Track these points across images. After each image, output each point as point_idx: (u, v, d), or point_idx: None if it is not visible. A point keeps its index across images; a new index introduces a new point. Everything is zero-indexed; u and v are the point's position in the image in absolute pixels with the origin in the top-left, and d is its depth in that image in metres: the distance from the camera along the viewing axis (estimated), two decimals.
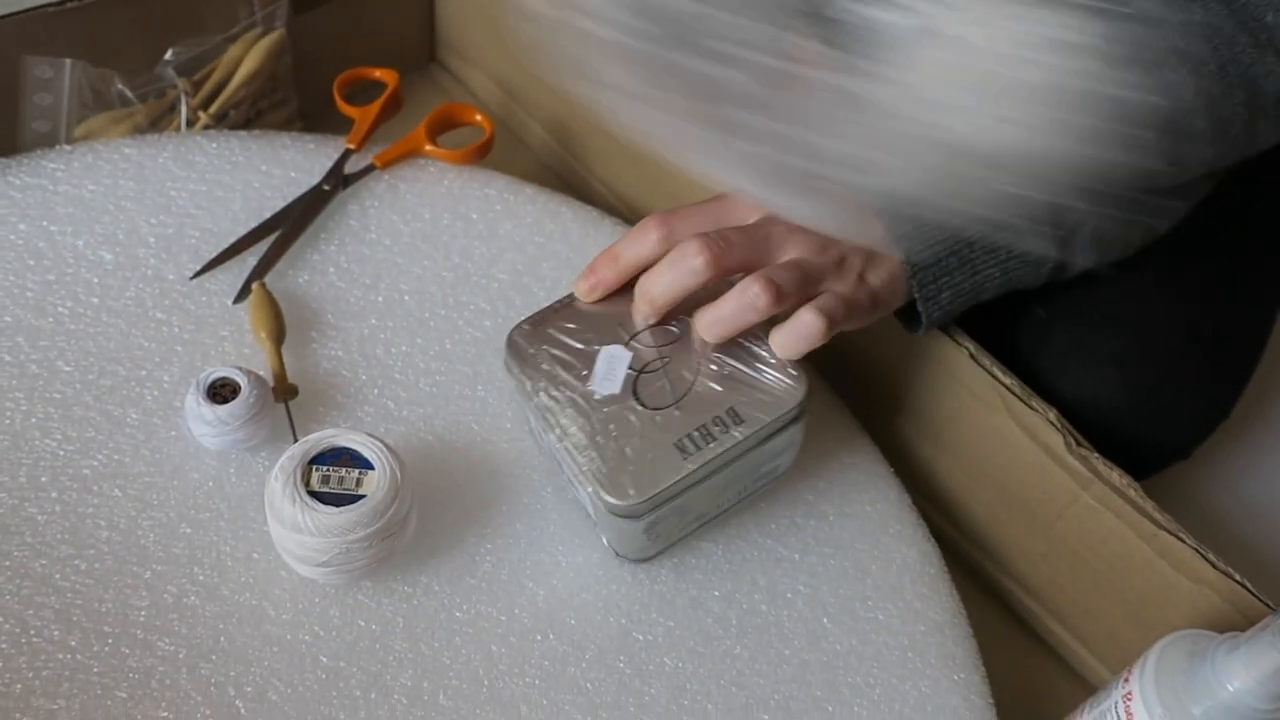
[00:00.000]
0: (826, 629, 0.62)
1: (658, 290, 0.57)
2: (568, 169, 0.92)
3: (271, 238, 0.70)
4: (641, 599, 0.61)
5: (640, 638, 0.60)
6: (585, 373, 0.57)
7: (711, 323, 0.57)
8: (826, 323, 0.55)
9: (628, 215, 0.85)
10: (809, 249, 0.56)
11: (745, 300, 0.55)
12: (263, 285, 0.67)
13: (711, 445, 0.55)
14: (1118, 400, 0.65)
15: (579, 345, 0.58)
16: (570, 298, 0.61)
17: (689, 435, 0.56)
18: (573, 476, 0.56)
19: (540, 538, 0.62)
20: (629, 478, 0.54)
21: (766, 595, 0.62)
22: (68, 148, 0.72)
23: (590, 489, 0.55)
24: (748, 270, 0.56)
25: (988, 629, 0.66)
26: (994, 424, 0.67)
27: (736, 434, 0.56)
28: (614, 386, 0.57)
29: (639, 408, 0.56)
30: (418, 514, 0.59)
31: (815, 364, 0.64)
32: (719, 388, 0.57)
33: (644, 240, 0.58)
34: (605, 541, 0.61)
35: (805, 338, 0.56)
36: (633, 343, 0.58)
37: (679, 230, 0.57)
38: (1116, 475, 0.61)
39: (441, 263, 0.72)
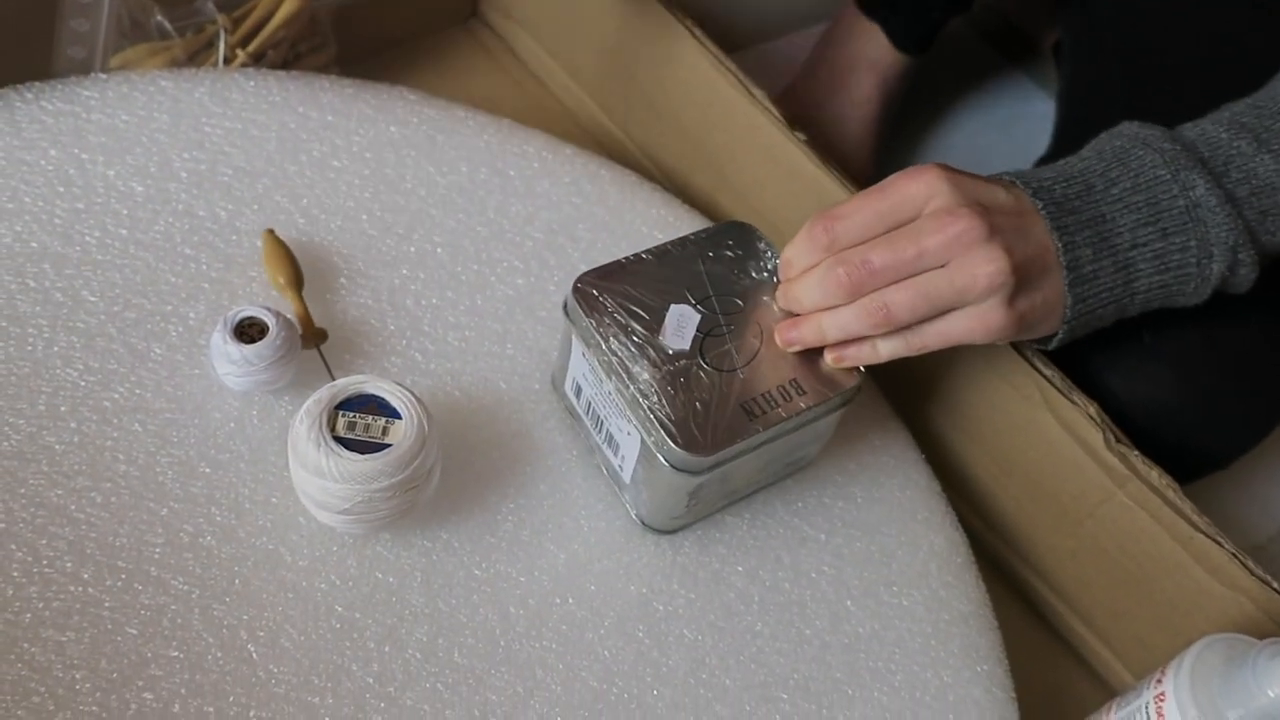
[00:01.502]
0: (849, 611, 0.60)
1: (806, 301, 0.56)
2: (606, 133, 0.90)
3: None
4: (663, 569, 0.60)
5: (660, 608, 0.58)
6: (654, 326, 0.57)
7: (818, 331, 0.56)
8: (894, 354, 0.55)
9: (665, 183, 0.83)
10: (967, 264, 0.52)
11: (859, 321, 0.54)
12: (271, 233, 0.65)
13: (777, 410, 0.55)
14: (1170, 402, 0.64)
15: (647, 301, 0.58)
16: (636, 257, 0.60)
17: (755, 399, 0.56)
18: (637, 423, 0.55)
19: (564, 501, 0.61)
20: (699, 429, 0.54)
21: (791, 574, 0.61)
22: (103, 76, 0.70)
23: (656, 436, 0.54)
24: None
25: (1009, 625, 0.65)
26: (1030, 416, 0.65)
27: (800, 403, 0.56)
28: (684, 343, 0.57)
29: (706, 367, 0.56)
30: (441, 468, 0.58)
31: None
32: (782, 359, 0.57)
33: (811, 249, 0.55)
34: (632, 511, 0.60)
35: (856, 360, 0.57)
36: (699, 306, 0.58)
37: (842, 235, 0.54)
38: (1156, 474, 0.60)
39: (476, 217, 0.71)
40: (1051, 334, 0.58)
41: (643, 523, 0.60)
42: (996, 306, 0.54)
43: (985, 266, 0.52)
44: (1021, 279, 0.53)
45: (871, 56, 0.92)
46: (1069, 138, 0.80)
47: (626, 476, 0.59)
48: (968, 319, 0.54)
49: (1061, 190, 0.56)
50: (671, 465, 0.54)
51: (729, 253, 0.61)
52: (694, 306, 0.58)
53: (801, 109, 0.93)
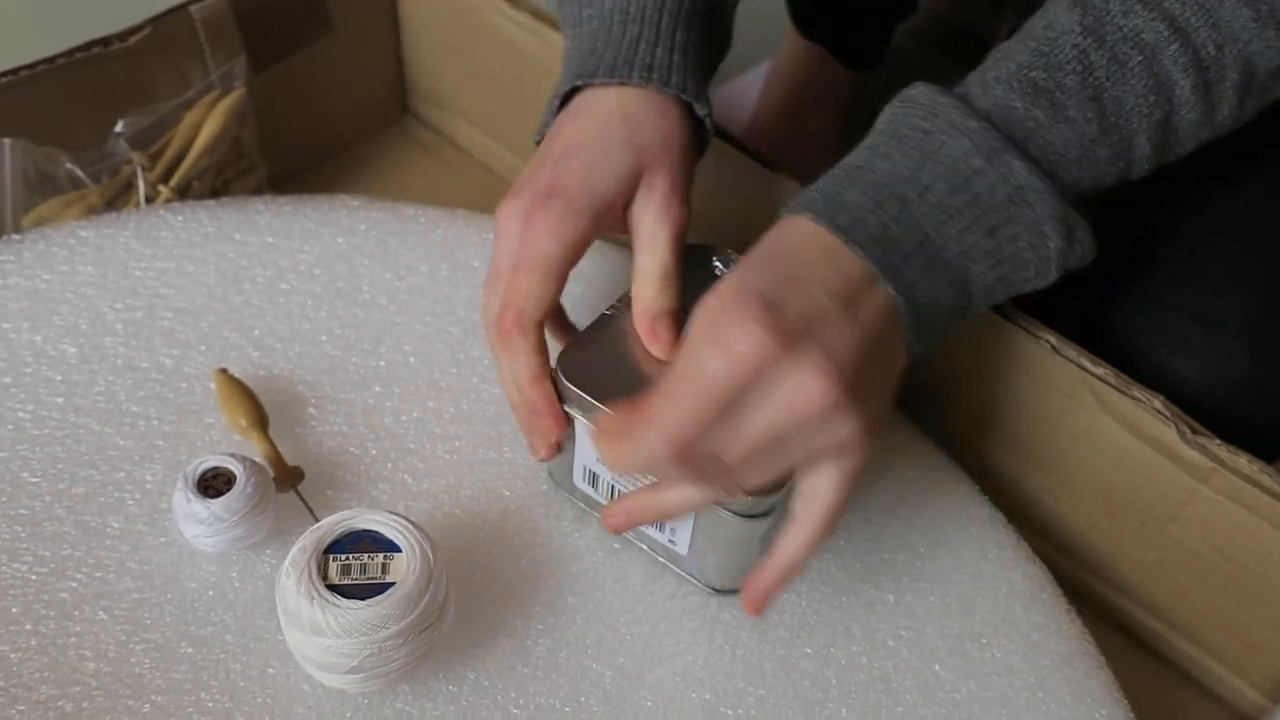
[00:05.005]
0: (940, 677, 0.53)
1: (675, 508, 0.49)
2: None
3: None
4: (724, 667, 0.52)
5: (730, 713, 0.51)
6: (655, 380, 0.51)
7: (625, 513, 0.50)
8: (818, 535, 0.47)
9: None
10: (825, 435, 0.44)
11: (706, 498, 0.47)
12: (223, 372, 0.59)
13: None
14: (1245, 375, 0.57)
15: (637, 356, 0.52)
16: (602, 317, 0.54)
17: None
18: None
19: (598, 610, 0.54)
20: None
21: (865, 646, 0.54)
22: (16, 237, 0.64)
23: None
24: None
25: (1107, 657, 0.57)
26: (1088, 424, 0.59)
27: None
28: None
29: None
30: (455, 599, 0.51)
31: None
32: None
33: (637, 454, 0.44)
34: (698, 581, 0.55)
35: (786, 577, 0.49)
36: None
37: (678, 445, 0.43)
38: (1245, 460, 0.54)
39: (445, 318, 0.65)
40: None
41: (715, 590, 0.54)
42: (860, 439, 0.45)
43: (844, 428, 0.44)
44: (871, 390, 0.45)
45: (824, 81, 0.88)
46: None
47: (683, 548, 0.53)
48: (829, 470, 0.46)
49: (877, 219, 0.46)
50: (740, 515, 0.49)
51: (693, 279, 0.55)
52: None
53: (765, 145, 0.88)
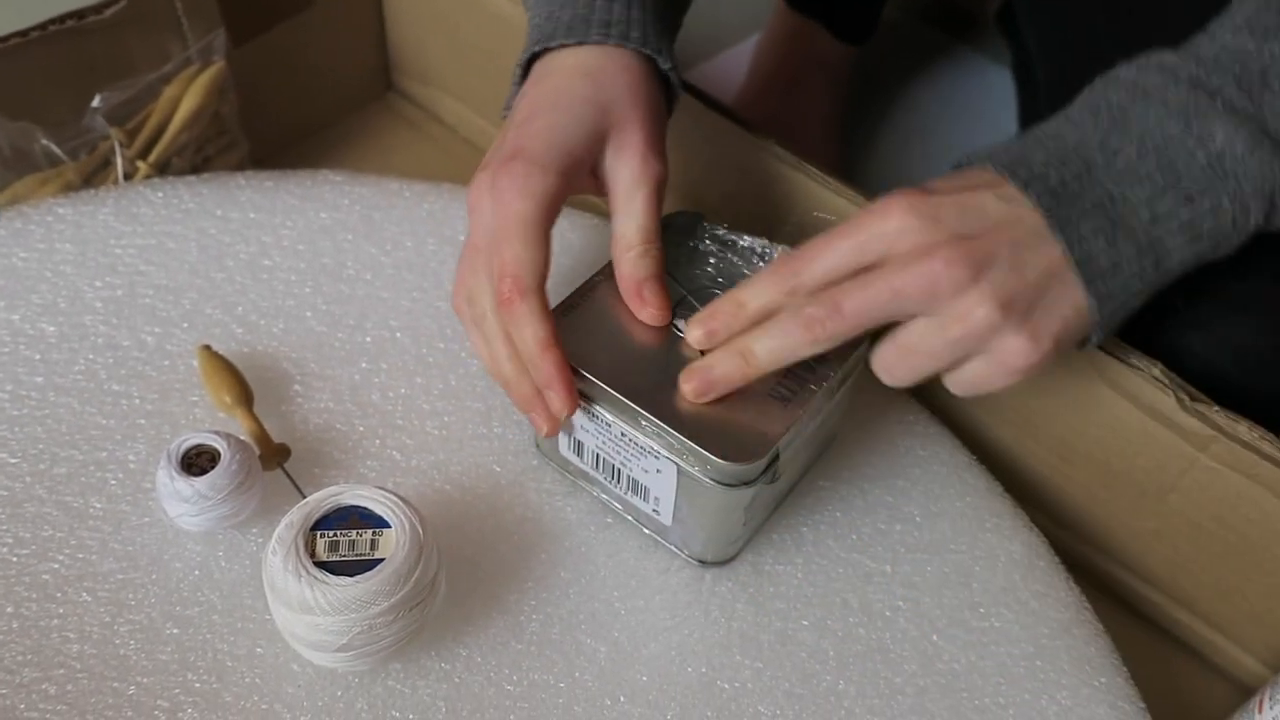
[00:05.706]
0: (939, 647, 0.53)
1: (760, 351, 0.47)
2: None
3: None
4: (720, 641, 0.52)
5: (726, 687, 0.50)
6: (640, 346, 0.51)
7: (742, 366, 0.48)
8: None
9: None
10: (956, 312, 0.45)
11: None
12: (207, 349, 0.58)
13: (808, 386, 0.50)
14: (1249, 344, 0.55)
15: (621, 323, 0.52)
16: (588, 284, 0.54)
17: (780, 384, 0.50)
18: (668, 454, 0.49)
19: (591, 585, 0.53)
20: (737, 435, 0.48)
21: (862, 617, 0.53)
22: None
23: (695, 458, 0.48)
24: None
25: (1105, 627, 0.57)
26: (1084, 392, 0.58)
27: (828, 371, 0.51)
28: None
29: None
30: (446, 575, 0.50)
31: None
32: None
33: (768, 289, 0.47)
34: (682, 553, 0.54)
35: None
36: (679, 309, 0.52)
37: (808, 277, 0.46)
38: (1244, 428, 0.53)
39: (433, 292, 0.64)
40: (1087, 338, 0.49)
41: (700, 561, 0.54)
42: (1012, 345, 0.45)
43: (976, 310, 0.44)
44: (1028, 305, 0.45)
45: (817, 54, 0.87)
46: (1050, 99, 0.73)
47: (667, 518, 0.52)
48: (985, 365, 0.47)
49: (1057, 175, 0.46)
50: (720, 484, 0.48)
51: (680, 246, 0.55)
52: (674, 313, 0.53)
53: (755, 119, 0.87)
